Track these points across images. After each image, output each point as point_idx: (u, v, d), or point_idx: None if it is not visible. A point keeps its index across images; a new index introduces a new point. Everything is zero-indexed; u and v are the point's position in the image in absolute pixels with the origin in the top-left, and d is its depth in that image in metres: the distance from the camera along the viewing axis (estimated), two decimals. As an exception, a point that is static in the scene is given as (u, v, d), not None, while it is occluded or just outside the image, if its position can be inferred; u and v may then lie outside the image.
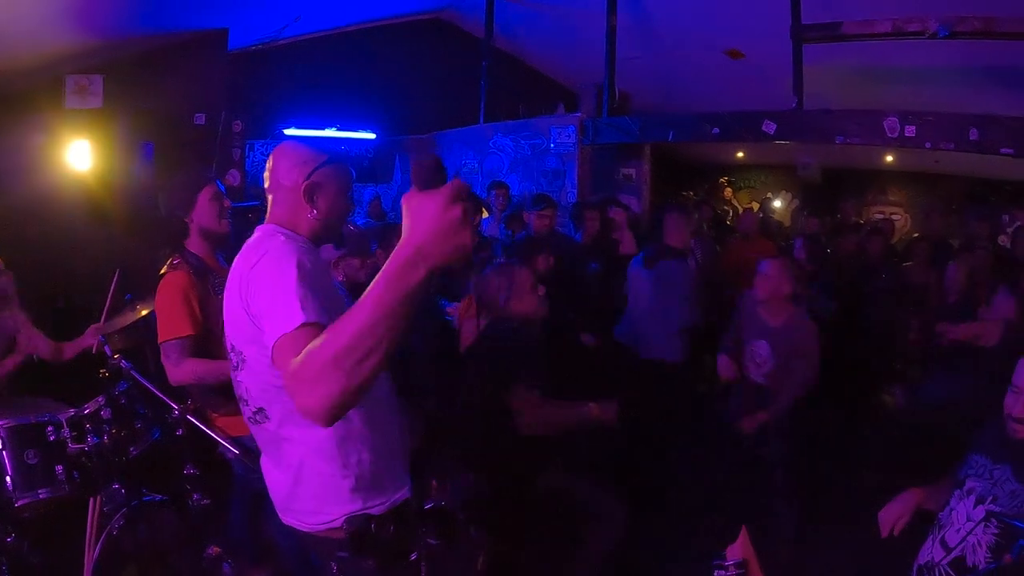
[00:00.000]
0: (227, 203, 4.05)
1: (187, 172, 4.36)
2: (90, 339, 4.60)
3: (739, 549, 2.06)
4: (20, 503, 3.77)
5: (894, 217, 13.71)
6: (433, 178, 1.65)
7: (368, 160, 10.73)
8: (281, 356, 1.96)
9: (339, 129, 10.27)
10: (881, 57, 8.46)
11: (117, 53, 7.97)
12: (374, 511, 2.37)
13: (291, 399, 1.70)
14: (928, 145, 6.39)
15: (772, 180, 15.61)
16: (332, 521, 2.36)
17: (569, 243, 7.10)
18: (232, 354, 2.45)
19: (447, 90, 10.79)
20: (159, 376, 4.33)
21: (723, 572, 2.04)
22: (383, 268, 1.62)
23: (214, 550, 4.24)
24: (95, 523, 3.90)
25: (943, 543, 2.86)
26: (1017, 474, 2.73)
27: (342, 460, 2.36)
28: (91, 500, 3.93)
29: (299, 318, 2.00)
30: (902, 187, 14.34)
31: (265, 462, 2.55)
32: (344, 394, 1.61)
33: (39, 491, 3.82)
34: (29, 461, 3.82)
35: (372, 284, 1.61)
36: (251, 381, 2.40)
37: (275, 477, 2.49)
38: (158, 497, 4.18)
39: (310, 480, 2.38)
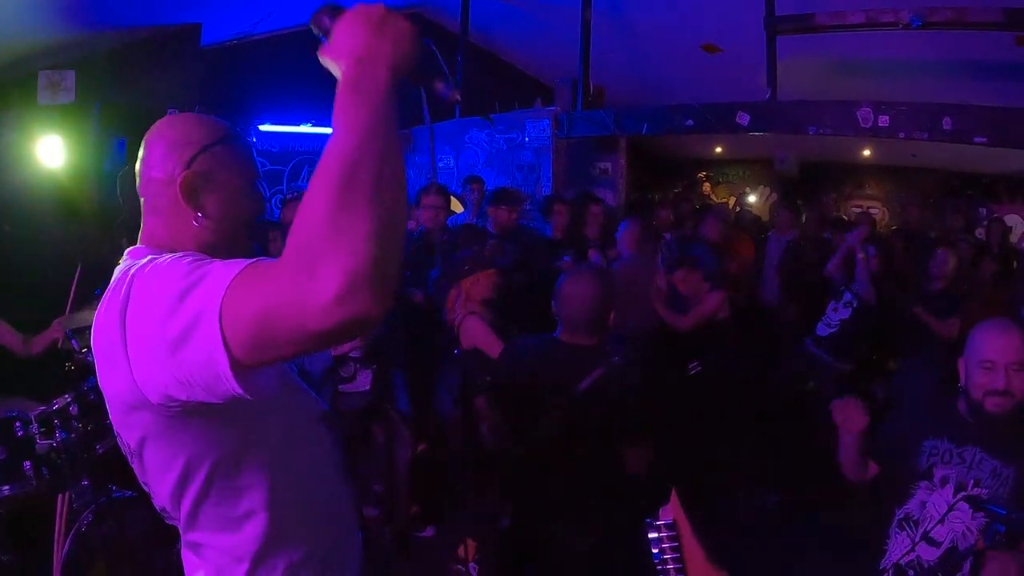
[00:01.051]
0: None
1: None
2: (56, 332, 4.57)
3: (671, 511, 2.07)
4: (-14, 499, 3.75)
5: (872, 211, 13.76)
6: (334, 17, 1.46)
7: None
8: (245, 295, 1.26)
9: (314, 125, 10.22)
10: (856, 50, 8.49)
11: (89, 48, 7.92)
12: None
13: (301, 312, 1.18)
14: (902, 135, 6.39)
15: (750, 175, 15.63)
16: None
17: (534, 236, 7.08)
18: (122, 444, 1.79)
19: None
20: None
21: (656, 532, 2.05)
22: (337, 97, 1.33)
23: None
24: (64, 520, 3.88)
25: (927, 538, 2.82)
26: (991, 451, 2.73)
27: (267, 568, 1.81)
28: (59, 497, 3.91)
29: (240, 264, 1.31)
30: (880, 181, 14.39)
31: (183, 549, 1.90)
32: (377, 239, 1.17)
33: (4, 487, 3.80)
34: (-4, 457, 3.80)
35: (335, 116, 1.31)
36: (148, 478, 1.77)
37: (191, 569, 1.89)
38: (127, 493, 4.16)
39: None
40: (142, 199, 1.81)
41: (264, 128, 9.79)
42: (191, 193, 1.73)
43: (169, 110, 8.38)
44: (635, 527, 3.57)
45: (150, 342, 1.40)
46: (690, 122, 7.53)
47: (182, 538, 1.85)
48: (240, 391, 1.33)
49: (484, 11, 10.24)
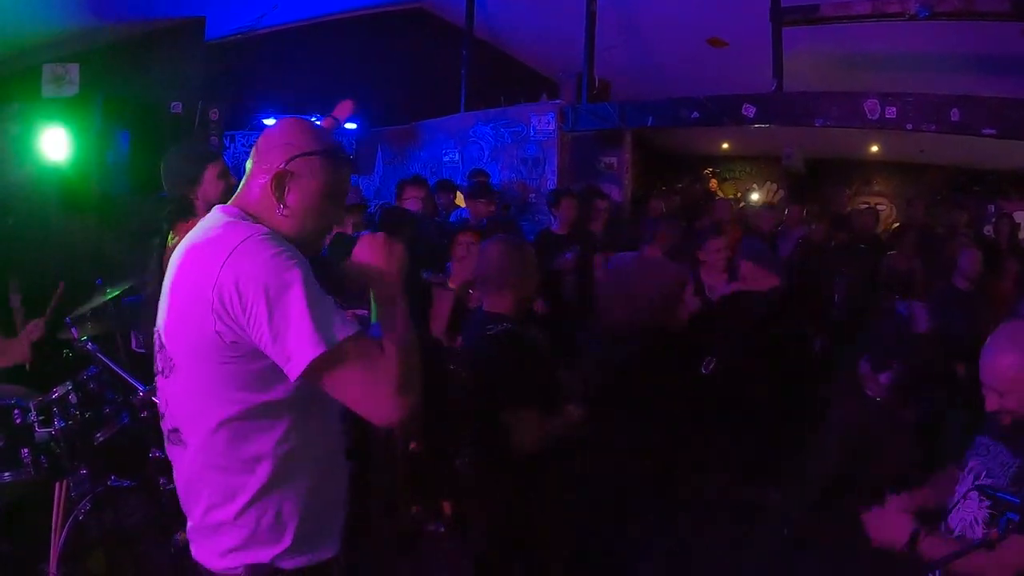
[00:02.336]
0: (234, 180, 3.70)
1: (190, 145, 4.03)
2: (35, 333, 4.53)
3: None
4: (-17, 486, 3.73)
5: (879, 207, 13.68)
6: None
7: (350, 151, 10.67)
8: (333, 368, 1.88)
9: (318, 119, 10.19)
10: (862, 43, 8.45)
11: (93, 41, 7.91)
12: (283, 565, 2.07)
13: (368, 409, 1.93)
14: (909, 127, 6.33)
15: (757, 171, 15.59)
16: (235, 568, 2.06)
17: (514, 228, 7.07)
18: (158, 354, 2.12)
19: (428, 80, 10.73)
20: (129, 361, 4.30)
21: None
22: (376, 298, 2.11)
23: (181, 536, 4.19)
24: (61, 508, 3.85)
25: (947, 527, 2.86)
26: (1012, 448, 2.73)
27: (259, 510, 2.03)
28: (57, 485, 3.88)
29: (344, 332, 1.89)
30: (887, 177, 14.34)
31: (178, 480, 2.18)
32: (418, 397, 1.97)
33: (4, 474, 3.77)
34: (-7, 444, 3.78)
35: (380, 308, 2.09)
36: (175, 395, 2.08)
37: (185, 505, 2.16)
38: (126, 482, 4.13)
39: (218, 523, 2.06)
40: (250, 169, 2.17)
41: (268, 123, 9.75)
42: (279, 186, 2.08)
43: (172, 104, 8.41)
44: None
45: (246, 305, 1.86)
46: (696, 114, 7.48)
47: (186, 465, 2.11)
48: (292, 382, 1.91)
49: (488, 5, 10.22)
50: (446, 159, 9.88)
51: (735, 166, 15.86)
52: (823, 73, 8.67)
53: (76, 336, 4.24)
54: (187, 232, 3.38)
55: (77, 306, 4.42)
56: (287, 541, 2.05)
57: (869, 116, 6.40)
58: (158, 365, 2.12)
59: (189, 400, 2.03)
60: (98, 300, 4.43)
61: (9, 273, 4.73)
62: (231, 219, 2.06)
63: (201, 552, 2.11)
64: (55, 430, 3.91)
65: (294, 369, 1.85)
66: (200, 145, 3.91)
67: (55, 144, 6.99)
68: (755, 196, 15.14)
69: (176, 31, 8.58)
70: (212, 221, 2.09)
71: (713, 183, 15.35)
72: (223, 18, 9.03)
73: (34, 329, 4.48)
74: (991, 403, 2.69)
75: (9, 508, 4.04)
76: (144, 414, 4.05)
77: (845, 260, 7.82)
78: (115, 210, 7.10)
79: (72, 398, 4.01)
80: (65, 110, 7.51)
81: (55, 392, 3.99)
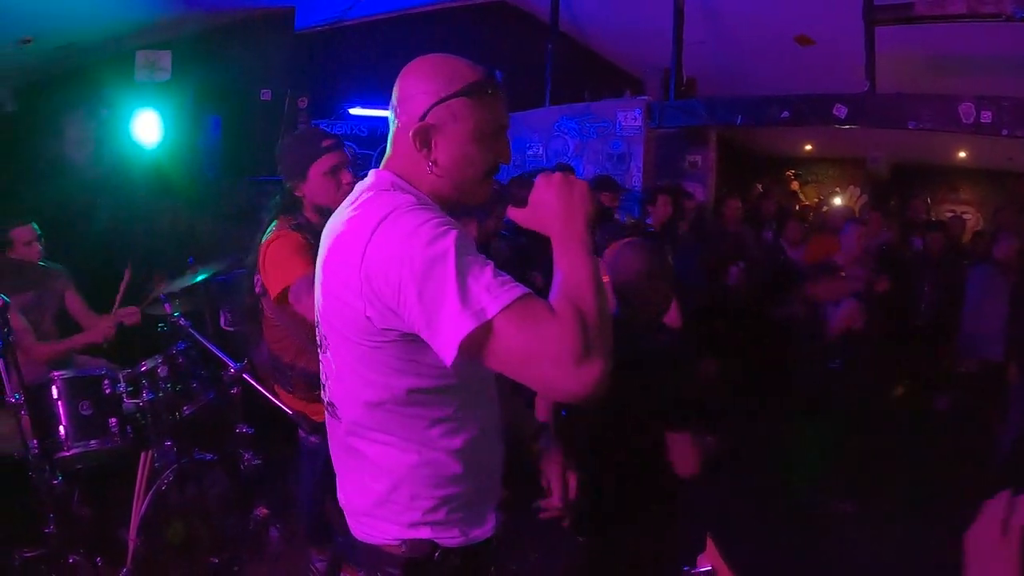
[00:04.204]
0: (347, 177, 3.43)
1: (304, 134, 3.70)
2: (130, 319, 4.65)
3: (708, 558, 1.85)
4: (72, 452, 3.83)
5: (965, 216, 13.33)
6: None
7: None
8: (490, 344, 1.60)
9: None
10: (956, 45, 8.24)
11: (185, 29, 8.07)
12: (443, 542, 1.97)
13: (543, 386, 1.64)
14: (1005, 132, 6.14)
15: (839, 174, 15.26)
16: (391, 539, 1.96)
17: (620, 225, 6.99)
18: (319, 332, 2.02)
19: (513, 74, 10.62)
20: (218, 339, 4.39)
21: None
22: (558, 246, 1.76)
23: (262, 511, 4.28)
24: (145, 478, 3.94)
25: None
26: None
27: (411, 489, 1.93)
28: (142, 455, 3.98)
29: (500, 300, 1.59)
30: (974, 184, 13.95)
31: (334, 452, 2.12)
32: (607, 362, 1.59)
33: (91, 441, 3.88)
34: (83, 412, 3.90)
35: (561, 256, 1.73)
36: (332, 372, 1.97)
37: (340, 478, 2.12)
38: (209, 456, 4.22)
39: (374, 498, 1.97)
40: (393, 125, 1.93)
41: (354, 112, 9.86)
42: (423, 143, 1.84)
43: (261, 91, 8.56)
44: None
45: (394, 288, 1.64)
46: (786, 113, 7.35)
47: (340, 439, 2.03)
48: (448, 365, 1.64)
49: (574, 1, 10.20)
50: (529, 152, 9.87)
51: (817, 168, 15.53)
52: (914, 76, 8.48)
53: (169, 311, 4.33)
54: (289, 227, 3.40)
55: (169, 285, 4.53)
56: (440, 520, 1.95)
57: (964, 120, 6.23)
58: (319, 340, 2.02)
59: (343, 379, 1.92)
60: (189, 279, 4.53)
61: (122, 256, 4.86)
62: (378, 190, 1.85)
63: (358, 528, 2.04)
64: (143, 402, 4.03)
65: (447, 354, 1.61)
66: (314, 134, 3.53)
67: (148, 128, 7.17)
68: (838, 200, 14.87)
69: (266, 21, 8.71)
70: (361, 191, 1.90)
71: (795, 185, 15.11)
72: (312, 9, 9.13)
73: (129, 315, 4.62)
74: None
75: (94, 475, 4.16)
76: (235, 391, 4.13)
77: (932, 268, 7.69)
78: (206, 193, 7.27)
79: (161, 371, 4.11)
80: (158, 95, 7.69)
81: (144, 365, 4.10)
